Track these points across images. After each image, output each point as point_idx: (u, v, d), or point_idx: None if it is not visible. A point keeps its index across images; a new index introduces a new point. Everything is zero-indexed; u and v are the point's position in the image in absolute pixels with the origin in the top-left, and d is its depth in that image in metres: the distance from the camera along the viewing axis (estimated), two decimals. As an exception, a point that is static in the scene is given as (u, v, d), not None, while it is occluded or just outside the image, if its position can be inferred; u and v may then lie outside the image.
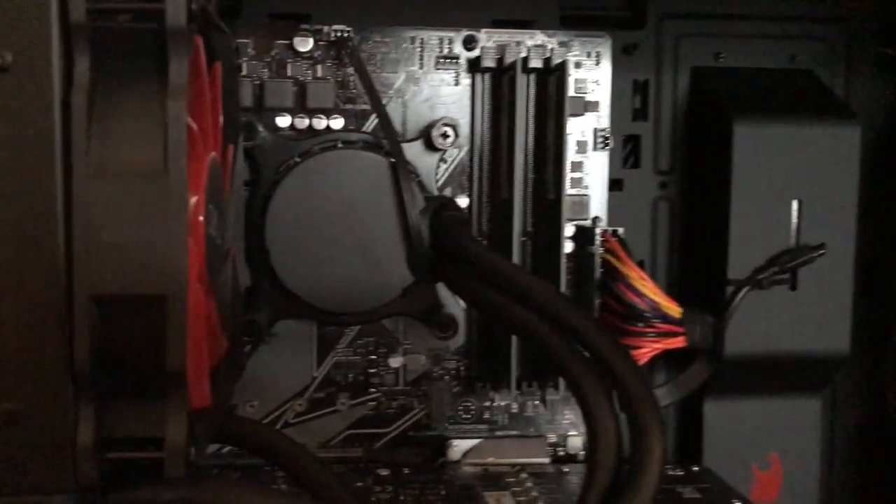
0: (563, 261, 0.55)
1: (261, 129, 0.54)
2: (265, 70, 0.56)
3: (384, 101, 0.56)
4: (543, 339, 0.45)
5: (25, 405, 0.31)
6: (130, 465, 0.33)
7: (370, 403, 0.59)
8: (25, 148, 0.30)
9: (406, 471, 0.57)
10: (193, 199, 0.37)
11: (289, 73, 0.56)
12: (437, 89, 0.57)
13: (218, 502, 0.36)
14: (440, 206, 0.53)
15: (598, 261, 0.56)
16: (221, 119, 0.43)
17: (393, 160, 0.53)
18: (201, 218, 0.37)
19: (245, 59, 0.55)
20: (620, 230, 0.58)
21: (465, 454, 0.59)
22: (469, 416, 0.60)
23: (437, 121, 0.55)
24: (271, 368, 0.58)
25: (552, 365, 0.48)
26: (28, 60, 0.30)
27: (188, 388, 0.33)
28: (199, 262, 0.37)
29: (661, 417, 0.41)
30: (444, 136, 0.55)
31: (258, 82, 0.55)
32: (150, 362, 0.32)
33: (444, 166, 0.57)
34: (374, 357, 0.59)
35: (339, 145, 0.54)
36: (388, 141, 0.54)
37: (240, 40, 0.55)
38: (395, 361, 0.58)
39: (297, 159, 0.54)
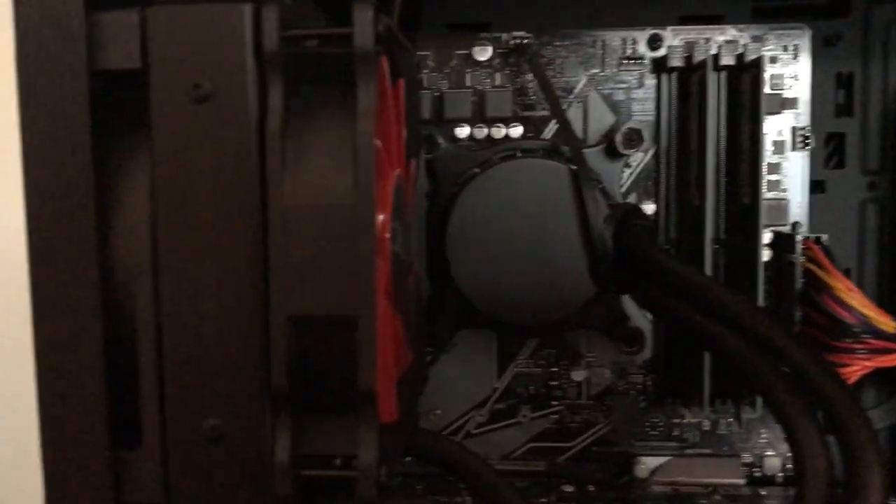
0: (761, 271, 0.51)
1: (440, 140, 0.54)
2: (444, 81, 0.56)
3: (564, 107, 0.55)
4: (740, 355, 0.42)
5: (227, 422, 0.32)
6: (322, 483, 0.33)
7: (552, 416, 0.58)
8: (225, 174, 0.31)
9: (590, 487, 0.55)
10: (380, 218, 0.37)
11: (468, 83, 0.56)
12: (619, 92, 0.55)
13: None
14: (625, 214, 0.51)
15: (799, 270, 0.52)
16: (405, 134, 0.43)
17: (574, 167, 0.52)
18: (388, 235, 0.37)
19: (425, 71, 0.56)
20: (824, 236, 0.53)
21: (654, 472, 0.56)
22: (657, 433, 0.57)
23: (621, 125, 0.53)
24: (452, 378, 0.58)
25: (750, 383, 0.45)
26: (227, 89, 0.31)
27: (378, 406, 0.33)
28: (387, 279, 0.37)
29: (878, 445, 0.37)
30: (629, 140, 0.53)
31: (438, 94, 0.55)
32: (342, 381, 0.32)
33: (628, 172, 0.55)
34: (555, 369, 0.58)
35: (519, 154, 0.53)
36: (569, 147, 0.52)
37: (420, 53, 0.56)
38: (578, 375, 0.57)
39: (477, 170, 0.53)
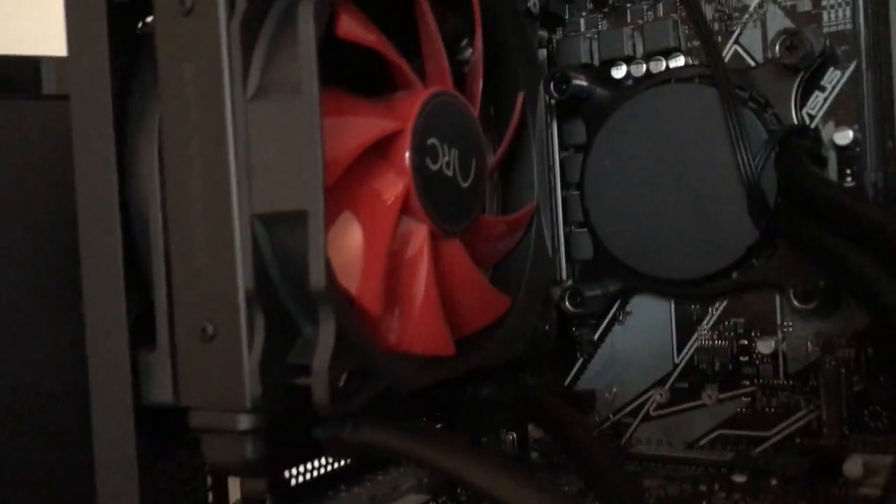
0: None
1: (583, 82, 0.49)
2: (604, 21, 0.51)
3: (737, 28, 0.47)
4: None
5: (217, 325, 0.32)
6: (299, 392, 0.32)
7: (743, 399, 0.48)
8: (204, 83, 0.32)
9: (773, 482, 0.45)
10: (393, 126, 0.35)
11: (628, 19, 0.50)
12: (805, 1, 0.45)
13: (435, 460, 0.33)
14: (787, 135, 0.41)
15: None
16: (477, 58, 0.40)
17: (727, 89, 0.43)
18: (407, 150, 0.35)
19: (583, 13, 0.52)
20: None
21: (868, 473, 0.44)
22: (878, 425, 0.45)
23: (793, 33, 0.44)
24: (628, 352, 0.52)
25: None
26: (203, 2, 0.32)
27: (342, 313, 0.31)
28: (404, 191, 0.35)
29: None
30: (788, 47, 0.43)
31: (595, 36, 0.51)
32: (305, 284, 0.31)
33: (822, 95, 0.45)
34: (744, 342, 0.48)
35: (672, 83, 0.47)
36: (713, 70, 0.44)
37: (578, -5, 0.52)
38: (766, 347, 0.47)
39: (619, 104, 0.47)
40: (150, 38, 0.34)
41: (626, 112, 0.47)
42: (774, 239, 0.43)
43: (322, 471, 0.44)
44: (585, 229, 0.50)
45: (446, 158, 0.37)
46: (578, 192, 0.49)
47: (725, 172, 0.43)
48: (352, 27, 0.33)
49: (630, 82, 0.49)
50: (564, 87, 0.48)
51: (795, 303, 0.43)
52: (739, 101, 0.43)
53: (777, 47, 0.43)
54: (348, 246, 0.34)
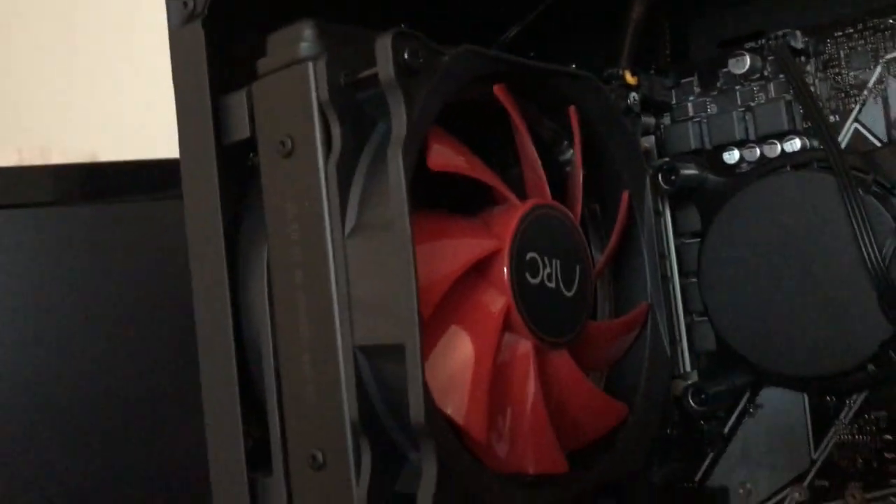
0: None
1: (693, 171, 0.47)
2: (713, 104, 0.50)
3: (856, 106, 0.45)
4: None
5: (325, 454, 0.33)
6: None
7: (892, 500, 0.45)
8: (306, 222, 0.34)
9: None
10: (491, 246, 0.36)
11: (738, 101, 0.49)
12: (929, 73, 0.43)
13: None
14: (916, 226, 0.39)
15: None
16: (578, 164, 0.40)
17: (848, 175, 0.41)
18: (506, 268, 0.36)
19: (690, 98, 0.51)
20: None
21: None
22: None
23: (918, 113, 0.41)
24: (761, 446, 0.49)
25: None
26: (301, 141, 0.34)
27: (445, 443, 0.31)
28: (504, 311, 0.35)
29: None
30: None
31: (704, 120, 0.50)
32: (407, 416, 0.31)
33: (954, 174, 0.42)
34: (889, 437, 0.45)
35: (788, 169, 0.45)
36: (830, 156, 0.42)
37: (684, 80, 0.51)
38: (913, 443, 0.43)
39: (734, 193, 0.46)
40: (259, 172, 0.36)
41: (740, 201, 0.45)
42: (910, 332, 0.40)
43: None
44: (706, 318, 0.48)
45: (548, 270, 0.37)
46: (696, 281, 0.48)
47: (852, 263, 0.41)
48: (442, 157, 0.34)
49: (744, 167, 0.48)
50: (673, 178, 0.47)
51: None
52: (861, 185, 0.41)
53: (901, 128, 0.40)
54: (451, 368, 0.34)
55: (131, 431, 0.56)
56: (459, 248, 0.35)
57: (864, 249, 0.40)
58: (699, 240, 0.48)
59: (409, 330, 0.30)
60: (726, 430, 0.50)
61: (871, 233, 0.40)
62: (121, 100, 0.89)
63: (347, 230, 0.33)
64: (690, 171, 0.47)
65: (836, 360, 0.42)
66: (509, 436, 0.36)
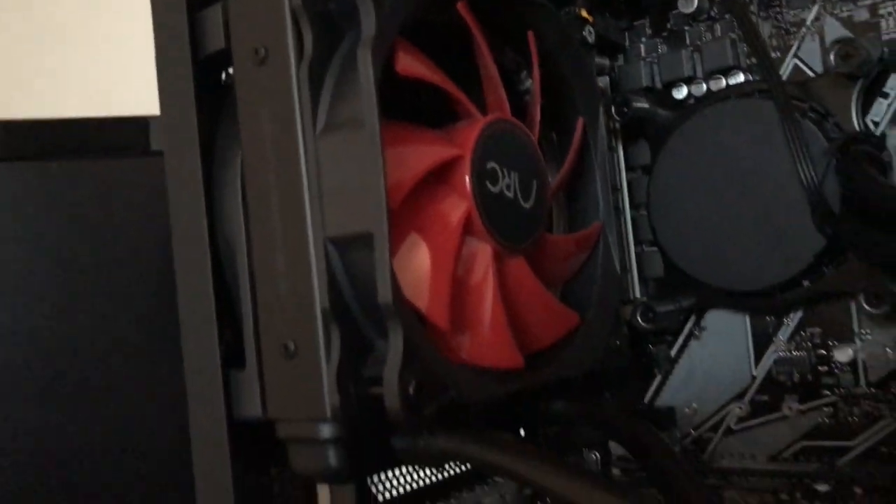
0: None
1: (644, 104, 0.50)
2: (663, 45, 0.53)
3: (795, 42, 0.48)
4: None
5: (297, 342, 0.35)
6: (369, 401, 0.34)
7: (825, 409, 0.48)
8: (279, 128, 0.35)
9: (857, 490, 0.44)
10: (454, 152, 0.38)
11: (687, 41, 0.52)
12: (862, 10, 0.46)
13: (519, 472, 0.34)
14: (847, 142, 0.42)
15: None
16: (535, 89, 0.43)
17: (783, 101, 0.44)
18: (467, 174, 0.38)
19: (643, 39, 0.53)
20: None
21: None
22: (968, 430, 0.44)
23: (847, 42, 0.44)
24: (705, 367, 0.52)
25: None
26: (274, 49, 0.36)
27: (410, 325, 0.33)
28: (466, 213, 0.38)
29: None
30: (843, 56, 0.43)
31: (655, 60, 0.52)
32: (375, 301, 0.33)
33: (885, 102, 0.45)
34: (823, 352, 0.48)
35: (731, 99, 0.48)
36: (770, 84, 0.45)
37: (637, 22, 0.54)
38: (844, 355, 0.46)
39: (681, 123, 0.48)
40: (233, 88, 0.38)
41: (686, 130, 0.48)
42: (843, 246, 0.43)
43: (409, 487, 0.46)
44: (655, 248, 0.51)
45: (507, 181, 0.40)
46: (646, 213, 0.51)
47: (789, 183, 0.44)
48: (410, 64, 0.36)
49: (692, 101, 0.51)
50: (625, 109, 0.49)
51: (868, 308, 0.43)
52: (798, 111, 0.44)
53: (832, 57, 0.43)
54: (416, 266, 0.37)
55: (96, 384, 0.56)
56: (423, 153, 0.37)
57: (799, 168, 0.43)
58: (649, 174, 0.51)
59: (378, 217, 0.32)
60: (673, 352, 0.53)
61: (806, 153, 0.43)
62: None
63: (318, 129, 0.35)
64: (641, 103, 0.50)
65: (775, 274, 0.45)
66: (469, 333, 0.38)
